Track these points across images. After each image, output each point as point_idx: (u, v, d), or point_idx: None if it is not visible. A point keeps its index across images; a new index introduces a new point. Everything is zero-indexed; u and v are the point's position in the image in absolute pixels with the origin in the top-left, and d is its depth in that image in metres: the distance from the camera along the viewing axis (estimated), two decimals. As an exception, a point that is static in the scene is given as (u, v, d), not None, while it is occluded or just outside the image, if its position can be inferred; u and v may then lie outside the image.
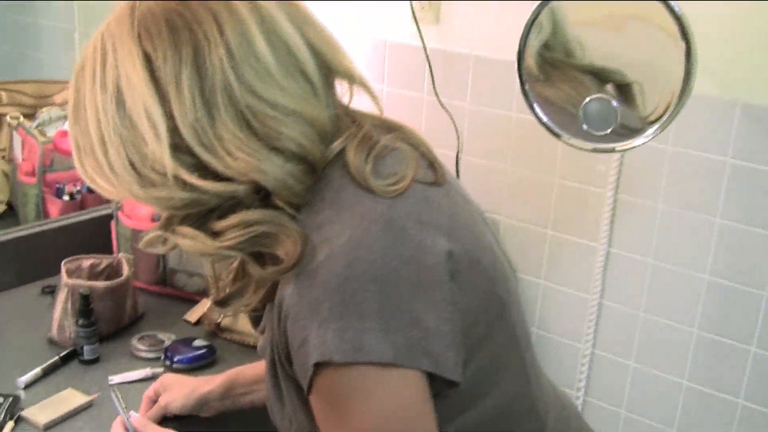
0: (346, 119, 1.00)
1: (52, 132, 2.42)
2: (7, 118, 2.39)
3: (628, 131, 1.51)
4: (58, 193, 2.23)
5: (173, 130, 0.89)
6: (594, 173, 1.95)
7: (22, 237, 2.06)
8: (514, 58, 1.52)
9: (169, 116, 0.89)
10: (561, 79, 1.56)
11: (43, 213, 2.24)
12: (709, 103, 1.76)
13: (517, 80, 1.53)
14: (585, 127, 1.50)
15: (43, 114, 2.49)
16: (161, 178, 0.91)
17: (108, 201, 2.16)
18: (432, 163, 1.01)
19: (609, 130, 1.48)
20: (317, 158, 0.94)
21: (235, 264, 1.08)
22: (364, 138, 0.96)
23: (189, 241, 0.94)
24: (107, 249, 2.10)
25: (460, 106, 2.12)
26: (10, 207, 2.32)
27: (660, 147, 1.84)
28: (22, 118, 2.42)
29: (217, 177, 0.91)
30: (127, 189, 0.94)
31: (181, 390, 1.46)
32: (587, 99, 1.49)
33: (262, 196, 0.94)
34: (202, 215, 0.95)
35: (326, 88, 0.97)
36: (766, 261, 1.77)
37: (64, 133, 2.40)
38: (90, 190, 2.22)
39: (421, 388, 0.86)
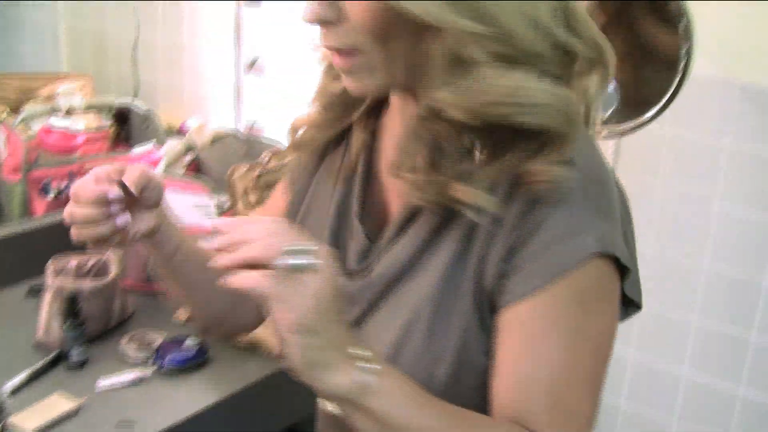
0: None
1: (36, 127, 2.38)
2: (-10, 113, 2.34)
3: (626, 114, 1.48)
4: (44, 191, 2.18)
5: None
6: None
7: (7, 236, 2.02)
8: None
9: None
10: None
11: (28, 211, 2.20)
12: (708, 83, 1.72)
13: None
14: None
15: (28, 109, 2.45)
16: None
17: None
18: None
19: (608, 113, 1.45)
20: None
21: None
22: None
23: None
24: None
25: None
26: (-5, 205, 2.28)
27: (657, 128, 1.80)
28: (5, 114, 2.37)
29: None
30: None
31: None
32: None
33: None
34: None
35: None
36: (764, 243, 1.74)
37: (49, 130, 2.36)
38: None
39: None
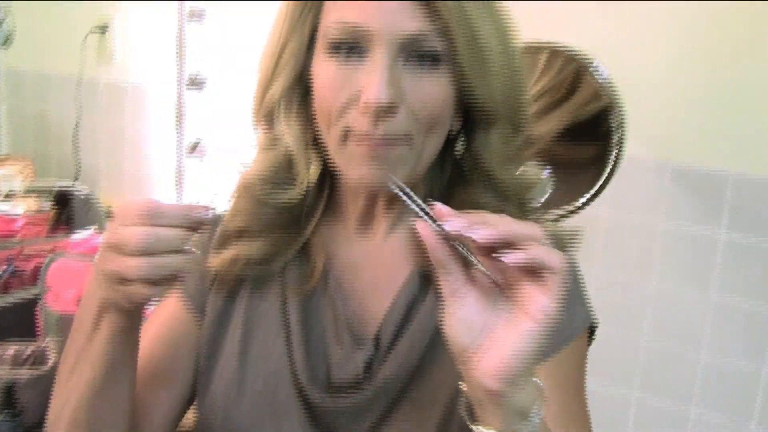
0: None
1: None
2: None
3: (561, 199, 1.52)
4: (-20, 276, 2.14)
5: None
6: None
7: (-60, 324, 1.97)
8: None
9: None
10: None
11: (-37, 297, 2.15)
12: (641, 165, 1.79)
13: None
14: None
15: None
16: None
17: (33, 283, 2.08)
18: None
19: (542, 200, 1.49)
20: None
21: None
22: None
23: None
24: (33, 334, 2.01)
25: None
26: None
27: (594, 211, 1.85)
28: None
29: None
30: None
31: None
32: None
33: None
34: None
35: None
36: (698, 319, 1.79)
37: (-14, 213, 2.33)
38: (13, 273, 2.14)
39: None
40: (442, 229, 0.67)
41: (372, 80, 0.82)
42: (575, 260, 0.99)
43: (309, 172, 0.95)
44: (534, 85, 1.51)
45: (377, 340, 0.94)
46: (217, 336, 1.00)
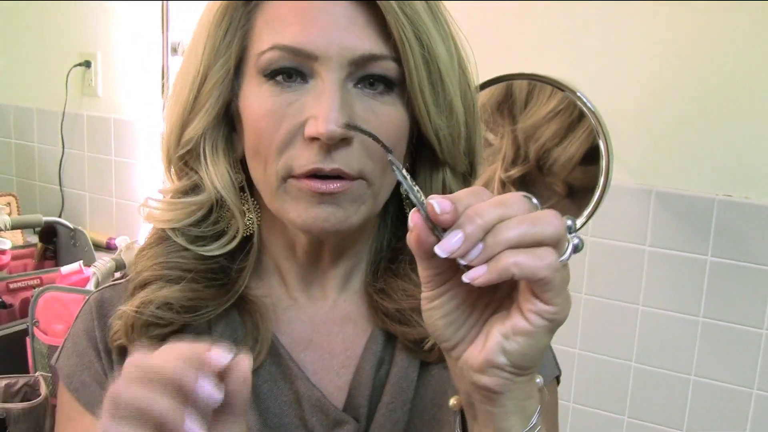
0: None
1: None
2: None
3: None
4: (-33, 311, 2.13)
5: None
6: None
7: (-72, 359, 1.95)
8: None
9: None
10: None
11: (-50, 332, 2.13)
12: (625, 191, 1.83)
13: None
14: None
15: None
16: None
17: (24, 317, 2.07)
18: None
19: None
20: None
21: None
22: None
23: None
24: (23, 368, 2.00)
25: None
26: None
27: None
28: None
29: None
30: None
31: None
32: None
33: None
34: None
35: None
36: (685, 344, 1.82)
37: (-28, 247, 2.32)
38: (4, 305, 2.13)
39: None
40: (437, 236, 0.58)
41: (321, 107, 0.72)
42: None
43: (244, 223, 0.84)
44: (544, 106, 1.53)
45: (354, 418, 0.82)
46: None
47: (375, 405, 0.83)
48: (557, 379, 0.94)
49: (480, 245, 0.57)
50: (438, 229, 0.58)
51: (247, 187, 0.84)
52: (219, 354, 0.58)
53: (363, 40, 0.74)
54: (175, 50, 2.48)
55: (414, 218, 0.58)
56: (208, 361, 0.57)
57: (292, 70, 0.75)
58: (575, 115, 1.49)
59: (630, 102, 1.82)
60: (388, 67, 0.76)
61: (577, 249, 0.60)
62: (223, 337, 0.83)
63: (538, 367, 0.64)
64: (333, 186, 0.74)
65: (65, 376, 0.86)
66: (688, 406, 1.85)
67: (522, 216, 0.58)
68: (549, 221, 0.58)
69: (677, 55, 1.77)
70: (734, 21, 1.71)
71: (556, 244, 0.58)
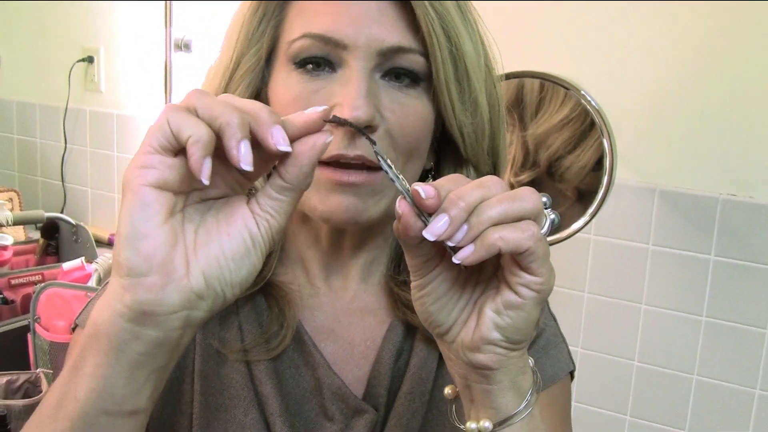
0: None
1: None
2: None
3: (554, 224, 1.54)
4: (-31, 306, 2.13)
5: None
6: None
7: (-71, 355, 1.95)
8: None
9: None
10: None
11: (-49, 328, 2.13)
12: (629, 190, 1.83)
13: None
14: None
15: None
16: None
17: (25, 313, 2.07)
18: None
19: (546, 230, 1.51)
20: None
21: None
22: None
23: None
24: (24, 364, 2.00)
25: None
26: None
27: (583, 236, 1.88)
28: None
29: None
30: None
31: None
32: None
33: None
34: None
35: None
36: (688, 343, 1.82)
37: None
38: (5, 301, 2.13)
39: None
40: (424, 222, 0.60)
41: (348, 94, 0.74)
42: (551, 311, 0.97)
43: None
44: (556, 113, 1.53)
45: (374, 407, 0.84)
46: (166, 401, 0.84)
47: (394, 394, 0.85)
48: (571, 375, 0.95)
49: (465, 226, 0.59)
50: (424, 215, 0.60)
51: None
52: (302, 111, 0.60)
53: (392, 33, 0.76)
54: (178, 46, 2.48)
55: (401, 205, 0.60)
56: (287, 117, 0.59)
57: (321, 60, 0.77)
58: (587, 123, 1.49)
59: (634, 101, 1.82)
60: (415, 61, 0.77)
61: (553, 224, 0.63)
62: (248, 319, 0.84)
63: (529, 341, 0.66)
64: (354, 178, 0.75)
65: None
66: (691, 405, 1.84)
67: (501, 195, 0.60)
68: (527, 197, 0.61)
69: (681, 55, 1.77)
70: (739, 20, 1.70)
71: (535, 217, 0.61)
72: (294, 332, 0.85)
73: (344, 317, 0.88)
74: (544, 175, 1.54)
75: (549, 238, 1.51)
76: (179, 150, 0.56)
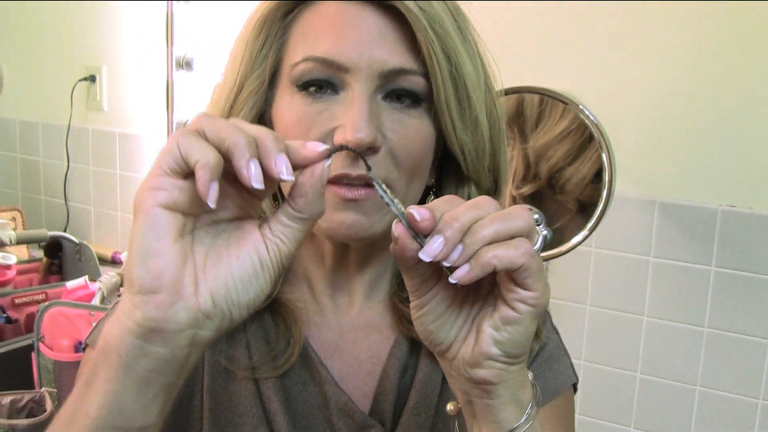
0: None
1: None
2: None
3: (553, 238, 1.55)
4: (-28, 326, 2.13)
5: None
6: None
7: (-67, 375, 1.95)
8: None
9: None
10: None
11: (-44, 347, 2.13)
12: (629, 203, 1.83)
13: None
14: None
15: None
16: None
17: (29, 332, 2.08)
18: None
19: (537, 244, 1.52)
20: None
21: None
22: None
23: None
24: (28, 383, 2.00)
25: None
26: None
27: (584, 249, 1.89)
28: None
29: None
30: None
31: None
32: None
33: None
34: None
35: None
36: (690, 354, 1.82)
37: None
38: (9, 321, 2.13)
39: None
40: (420, 243, 0.62)
41: (350, 115, 0.75)
42: (553, 324, 0.98)
43: None
44: (556, 126, 1.53)
45: (380, 422, 0.85)
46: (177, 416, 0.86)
47: (400, 410, 0.86)
48: (574, 387, 0.96)
49: (460, 246, 0.60)
50: (420, 236, 0.62)
51: (279, 194, 0.87)
52: (305, 144, 0.61)
53: (393, 55, 0.77)
54: (179, 65, 2.49)
55: (397, 228, 0.62)
56: (291, 144, 0.60)
57: (323, 82, 0.78)
58: (587, 135, 1.50)
59: (633, 113, 1.83)
60: (416, 82, 0.78)
61: (546, 240, 0.64)
62: (256, 337, 0.86)
63: (527, 354, 0.67)
64: (358, 193, 0.76)
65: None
66: (694, 416, 1.84)
67: (494, 214, 0.62)
68: (519, 215, 0.62)
69: (680, 67, 1.78)
70: (737, 32, 1.71)
71: (527, 234, 0.63)
72: (301, 349, 0.86)
73: (350, 334, 0.90)
74: (545, 188, 1.55)
75: (549, 252, 1.51)
76: (189, 173, 0.57)
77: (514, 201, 1.54)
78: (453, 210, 0.62)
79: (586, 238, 1.48)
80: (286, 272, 0.90)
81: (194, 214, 0.60)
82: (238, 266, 0.60)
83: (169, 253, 0.58)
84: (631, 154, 1.81)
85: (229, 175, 0.58)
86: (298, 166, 0.60)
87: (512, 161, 1.55)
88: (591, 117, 1.48)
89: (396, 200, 0.64)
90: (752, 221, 1.75)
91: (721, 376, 1.82)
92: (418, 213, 0.61)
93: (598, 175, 1.49)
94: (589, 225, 1.47)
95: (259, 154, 0.58)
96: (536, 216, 0.56)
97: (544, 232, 0.58)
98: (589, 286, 1.92)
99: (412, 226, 0.61)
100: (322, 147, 0.60)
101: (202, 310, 0.59)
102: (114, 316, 0.61)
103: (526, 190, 1.54)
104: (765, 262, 1.75)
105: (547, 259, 1.55)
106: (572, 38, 1.88)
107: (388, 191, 0.65)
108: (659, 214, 1.83)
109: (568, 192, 1.52)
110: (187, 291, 0.58)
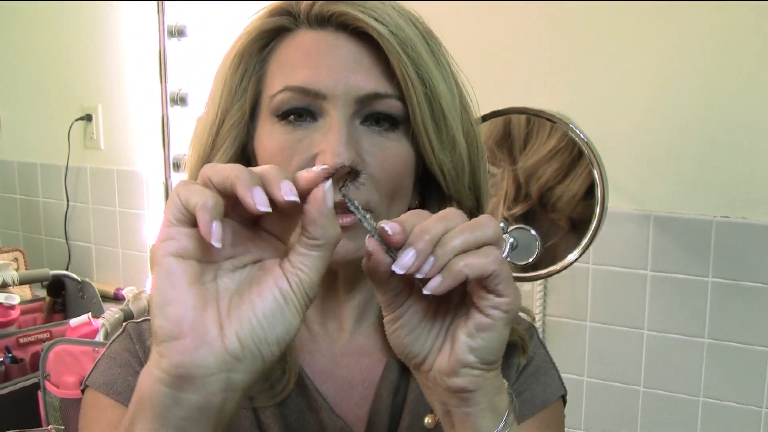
0: None
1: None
2: None
3: (550, 255, 1.56)
4: (-21, 367, 2.14)
5: None
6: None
7: (-60, 417, 1.96)
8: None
9: None
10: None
11: (-38, 389, 2.14)
12: (624, 217, 1.85)
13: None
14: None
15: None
16: None
17: (34, 371, 2.09)
18: None
19: (532, 259, 1.53)
20: None
21: None
22: None
23: None
24: (36, 422, 2.01)
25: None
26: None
27: (581, 265, 1.90)
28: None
29: None
30: None
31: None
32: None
33: None
34: None
35: None
36: (692, 365, 1.83)
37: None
38: (14, 360, 2.14)
39: None
40: (392, 257, 0.63)
41: (329, 142, 0.77)
42: (540, 339, 1.00)
43: None
44: (544, 145, 1.55)
45: None
46: None
47: (394, 430, 0.88)
48: (563, 399, 0.97)
49: (431, 258, 0.62)
50: (392, 251, 0.63)
51: None
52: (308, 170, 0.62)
53: (368, 80, 0.79)
54: (174, 100, 2.52)
55: (370, 243, 0.63)
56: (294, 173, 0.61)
57: (302, 110, 0.80)
58: (575, 152, 1.51)
59: (623, 128, 1.85)
60: (392, 105, 0.81)
61: (513, 247, 0.66)
62: None
63: (500, 360, 0.68)
64: (344, 220, 0.77)
65: (104, 385, 0.88)
66: (699, 428, 1.85)
67: (463, 225, 0.64)
68: (486, 224, 0.64)
69: (669, 80, 1.80)
70: (726, 45, 1.74)
71: (496, 242, 0.64)
72: (296, 377, 0.87)
73: (342, 359, 0.91)
74: (537, 207, 1.57)
75: (545, 270, 1.53)
76: (194, 220, 0.58)
77: (507, 222, 1.56)
78: (423, 222, 0.64)
79: (581, 254, 1.49)
80: None
81: (210, 260, 0.61)
82: (260, 303, 0.60)
83: (186, 299, 0.58)
84: (623, 169, 1.83)
85: (245, 220, 0.61)
86: (303, 195, 0.60)
87: (502, 182, 1.57)
88: (580, 134, 1.50)
89: (368, 216, 0.66)
90: (747, 231, 1.76)
91: (723, 386, 1.83)
92: (390, 227, 0.62)
93: (589, 191, 1.51)
94: (584, 242, 1.49)
95: (263, 183, 0.59)
96: (502, 225, 0.59)
97: (511, 240, 0.60)
98: (589, 303, 1.93)
99: (384, 240, 0.63)
100: (318, 168, 0.61)
101: (229, 352, 0.59)
102: (145, 367, 0.61)
103: (518, 210, 1.56)
104: (761, 271, 1.76)
105: (543, 276, 1.57)
106: (559, 55, 1.91)
107: (360, 207, 0.66)
108: (654, 227, 1.84)
109: (560, 210, 1.54)
110: (210, 334, 0.58)
